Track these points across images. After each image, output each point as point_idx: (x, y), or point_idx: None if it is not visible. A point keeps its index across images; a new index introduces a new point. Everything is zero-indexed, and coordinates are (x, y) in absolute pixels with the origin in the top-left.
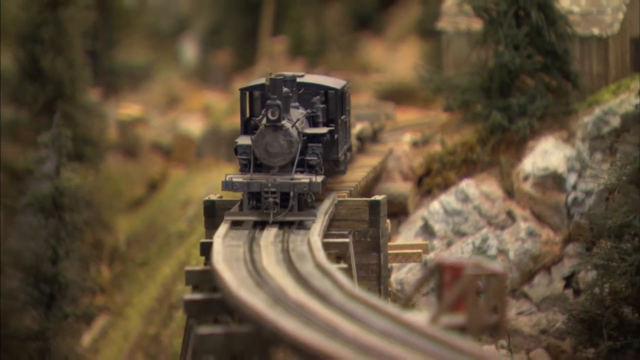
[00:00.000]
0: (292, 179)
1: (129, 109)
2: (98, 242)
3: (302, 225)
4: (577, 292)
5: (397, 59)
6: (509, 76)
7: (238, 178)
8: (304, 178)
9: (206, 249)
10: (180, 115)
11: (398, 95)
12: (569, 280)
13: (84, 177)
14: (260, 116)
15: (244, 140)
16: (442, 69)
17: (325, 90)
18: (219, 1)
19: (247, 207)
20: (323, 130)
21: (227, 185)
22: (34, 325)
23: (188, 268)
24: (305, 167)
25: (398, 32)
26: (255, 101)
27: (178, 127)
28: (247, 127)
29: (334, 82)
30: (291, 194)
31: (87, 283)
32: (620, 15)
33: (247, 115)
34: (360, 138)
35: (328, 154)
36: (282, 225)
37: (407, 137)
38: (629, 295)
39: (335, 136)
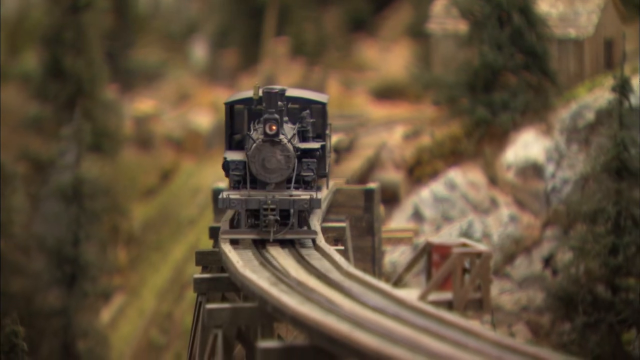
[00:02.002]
0: (291, 195)
1: (143, 104)
2: (115, 227)
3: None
4: (555, 272)
5: (390, 58)
6: (492, 74)
7: (235, 195)
8: (303, 194)
9: (214, 233)
10: (190, 111)
11: (391, 92)
12: (547, 261)
13: (102, 168)
14: (252, 130)
15: (235, 156)
16: (431, 68)
17: (312, 104)
18: (227, 6)
19: (245, 224)
20: (316, 145)
21: (225, 203)
22: (57, 302)
23: (198, 250)
24: (301, 183)
25: (391, 34)
26: (237, 115)
27: (188, 122)
28: (232, 142)
29: (318, 96)
30: (291, 211)
31: (105, 264)
32: (595, 18)
33: (230, 128)
34: (337, 150)
35: (317, 170)
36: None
37: (399, 130)
38: (602, 275)
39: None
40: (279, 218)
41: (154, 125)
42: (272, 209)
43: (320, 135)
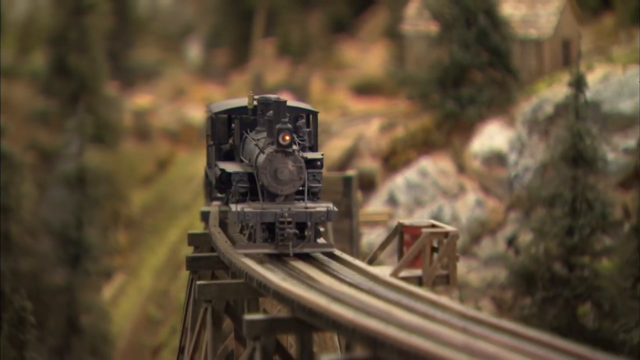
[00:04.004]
0: (307, 207)
1: (141, 100)
2: (116, 212)
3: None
4: (517, 252)
5: (369, 57)
6: (460, 71)
7: (249, 208)
8: (319, 207)
9: (205, 216)
10: (185, 105)
11: (369, 88)
12: (510, 241)
13: (103, 158)
14: (251, 140)
15: (234, 167)
16: (405, 66)
17: (305, 113)
18: (219, 8)
19: (261, 238)
20: (319, 155)
21: (240, 217)
22: (62, 281)
23: (190, 232)
24: (309, 194)
25: (369, 35)
26: (219, 124)
27: (183, 115)
28: (220, 152)
29: (306, 105)
30: (308, 223)
31: (107, 246)
32: (554, 20)
33: (218, 139)
34: None
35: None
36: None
37: (376, 123)
38: (559, 254)
39: None
40: (298, 232)
41: (152, 119)
42: (289, 222)
43: (312, 146)
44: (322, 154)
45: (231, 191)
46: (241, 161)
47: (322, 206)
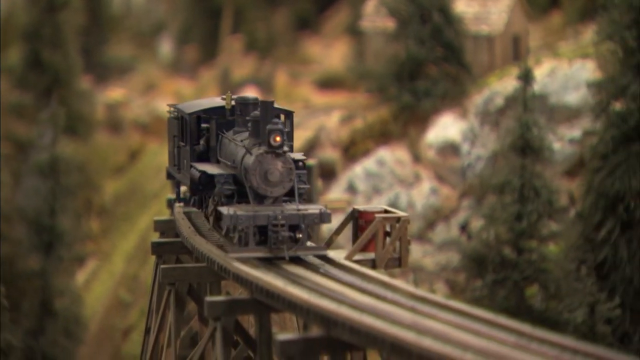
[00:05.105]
0: (299, 209)
1: (114, 93)
2: (89, 200)
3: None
4: (469, 237)
5: (331, 53)
6: (416, 65)
7: (241, 211)
8: (311, 209)
9: (171, 203)
10: (156, 99)
11: (331, 82)
12: (463, 227)
13: (76, 148)
14: (230, 140)
15: (215, 169)
16: (365, 60)
17: (280, 113)
18: (189, 6)
19: (253, 242)
20: (301, 156)
21: (232, 220)
22: (36, 266)
23: (156, 218)
24: (295, 196)
25: (332, 32)
26: (192, 125)
27: (154, 108)
28: (194, 153)
29: (281, 105)
30: (302, 226)
31: (80, 233)
32: (505, 17)
33: (183, 140)
34: None
35: None
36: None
37: (336, 115)
38: (509, 238)
39: None
40: (292, 235)
41: (124, 111)
42: (282, 225)
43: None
44: (304, 154)
45: (215, 193)
46: (218, 162)
47: (314, 208)
